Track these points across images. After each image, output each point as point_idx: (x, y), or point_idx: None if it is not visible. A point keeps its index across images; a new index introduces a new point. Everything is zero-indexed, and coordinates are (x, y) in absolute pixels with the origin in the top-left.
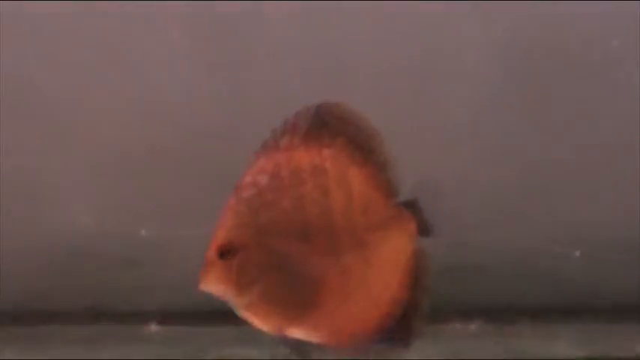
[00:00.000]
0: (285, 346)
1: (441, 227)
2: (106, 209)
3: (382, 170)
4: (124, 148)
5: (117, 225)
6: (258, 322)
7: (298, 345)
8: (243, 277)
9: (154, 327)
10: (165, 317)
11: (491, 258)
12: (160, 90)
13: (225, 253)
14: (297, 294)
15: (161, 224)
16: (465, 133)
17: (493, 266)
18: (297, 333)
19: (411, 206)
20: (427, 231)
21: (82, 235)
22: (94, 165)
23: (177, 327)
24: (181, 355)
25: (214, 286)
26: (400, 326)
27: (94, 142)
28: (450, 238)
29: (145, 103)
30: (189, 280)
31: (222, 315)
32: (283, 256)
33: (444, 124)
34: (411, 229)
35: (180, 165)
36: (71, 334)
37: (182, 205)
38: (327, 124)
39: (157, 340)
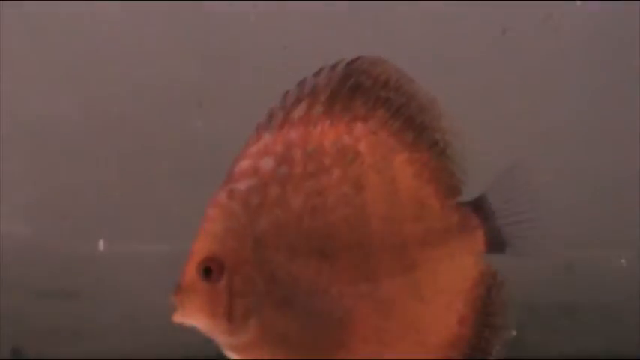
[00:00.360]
0: None
1: (524, 240)
2: (39, 214)
3: (441, 156)
4: (63, 120)
5: (52, 237)
6: None
7: None
8: (236, 307)
9: None
10: None
11: (602, 292)
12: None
13: (211, 270)
14: (314, 335)
15: (117, 236)
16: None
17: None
18: None
19: (479, 208)
20: (501, 244)
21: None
22: (21, 148)
23: None
24: None
25: (195, 318)
26: None
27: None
28: (538, 256)
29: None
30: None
31: None
32: (294, 279)
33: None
34: (478, 243)
35: (144, 146)
36: None
37: (146, 208)
38: (361, 88)
39: None
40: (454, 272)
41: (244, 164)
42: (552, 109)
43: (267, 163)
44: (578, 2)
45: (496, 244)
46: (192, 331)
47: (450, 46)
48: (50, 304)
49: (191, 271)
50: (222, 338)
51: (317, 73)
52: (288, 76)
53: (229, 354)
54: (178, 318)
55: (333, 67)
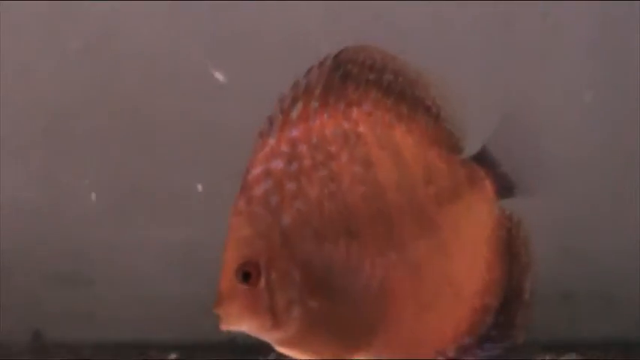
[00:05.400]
0: None
1: (530, 180)
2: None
3: (436, 121)
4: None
5: (57, 214)
6: (311, 357)
7: None
8: (278, 302)
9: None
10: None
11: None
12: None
13: (249, 274)
14: (355, 312)
15: (131, 223)
16: None
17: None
18: (365, 357)
19: (483, 159)
20: (510, 188)
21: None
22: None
23: None
24: None
25: (241, 322)
26: (500, 320)
27: None
28: (546, 194)
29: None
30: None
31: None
32: (327, 263)
33: None
34: (488, 191)
35: (156, 135)
36: None
37: (160, 195)
38: (350, 76)
39: None
40: (473, 223)
41: (256, 171)
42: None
43: (277, 164)
44: None
45: (505, 189)
46: (204, 317)
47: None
48: (66, 290)
49: (228, 280)
50: (270, 335)
51: (307, 73)
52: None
53: (281, 349)
54: (225, 326)
55: (322, 63)
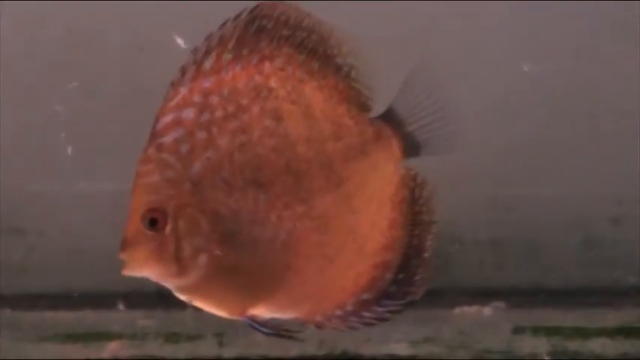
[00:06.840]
0: (258, 331)
1: (436, 139)
2: None
3: (346, 79)
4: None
5: None
6: (211, 306)
7: (274, 327)
8: (184, 249)
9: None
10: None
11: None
12: None
13: (156, 221)
14: (261, 262)
15: (62, 175)
16: None
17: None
18: (266, 313)
19: (389, 119)
20: (416, 148)
21: None
22: None
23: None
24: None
25: (145, 268)
26: (399, 277)
27: None
28: (451, 152)
29: None
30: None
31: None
32: (234, 213)
33: None
34: (394, 150)
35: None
36: None
37: (91, 148)
38: (265, 30)
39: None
40: (378, 181)
41: (166, 119)
42: None
43: (188, 114)
44: None
45: (411, 148)
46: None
47: None
48: None
49: (134, 225)
50: (173, 282)
51: (222, 25)
52: None
53: (182, 297)
54: (128, 272)
55: (237, 17)
